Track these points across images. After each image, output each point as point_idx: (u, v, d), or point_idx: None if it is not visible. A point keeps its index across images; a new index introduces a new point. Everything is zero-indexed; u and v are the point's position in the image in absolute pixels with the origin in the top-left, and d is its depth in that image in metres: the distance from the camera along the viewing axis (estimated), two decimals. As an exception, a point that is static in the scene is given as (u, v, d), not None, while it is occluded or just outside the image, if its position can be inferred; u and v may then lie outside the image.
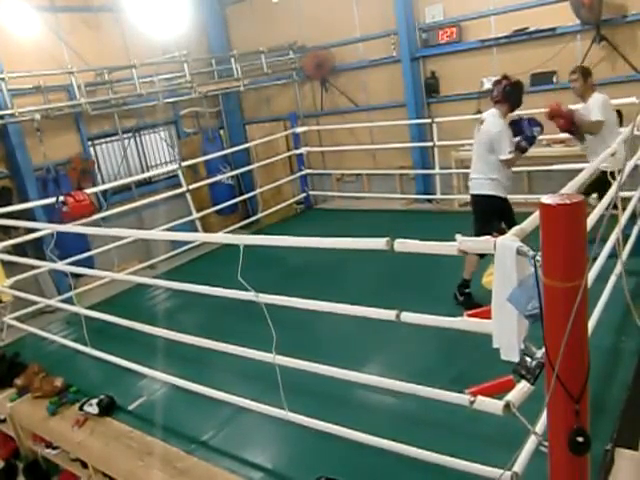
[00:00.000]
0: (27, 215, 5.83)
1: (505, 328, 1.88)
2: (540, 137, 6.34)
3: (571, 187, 2.50)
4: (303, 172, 8.10)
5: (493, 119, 4.16)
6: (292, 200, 8.11)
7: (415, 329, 2.46)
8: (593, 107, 4.58)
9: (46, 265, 4.91)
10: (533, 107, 6.10)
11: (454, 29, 7.09)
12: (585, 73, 4.67)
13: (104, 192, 6.97)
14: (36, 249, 6.15)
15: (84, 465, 3.46)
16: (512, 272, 1.80)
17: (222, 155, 7.78)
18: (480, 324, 2.13)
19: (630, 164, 3.82)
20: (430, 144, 7.04)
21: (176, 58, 7.65)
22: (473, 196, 4.34)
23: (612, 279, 3.46)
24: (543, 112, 4.66)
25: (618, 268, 3.49)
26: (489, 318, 1.97)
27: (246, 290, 2.73)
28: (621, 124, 5.85)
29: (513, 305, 1.78)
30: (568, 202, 1.56)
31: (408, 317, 2.37)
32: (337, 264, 5.45)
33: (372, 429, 2.62)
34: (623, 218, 3.61)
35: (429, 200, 7.37)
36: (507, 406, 2.05)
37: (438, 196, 7.13)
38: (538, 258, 1.67)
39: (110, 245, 5.86)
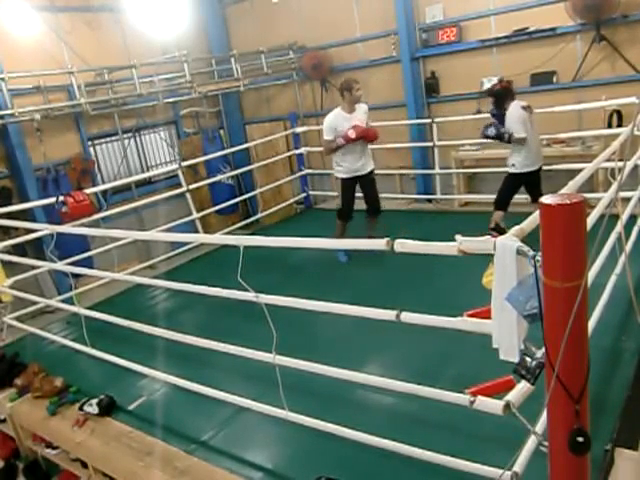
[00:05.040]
0: (27, 215, 5.84)
1: (505, 328, 1.88)
2: (540, 137, 6.42)
3: (571, 187, 2.49)
4: (303, 172, 8.09)
5: None
6: (292, 200, 8.10)
7: (415, 329, 2.46)
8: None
9: (46, 265, 4.91)
10: (533, 107, 6.11)
11: (454, 29, 7.09)
12: None
13: (104, 192, 6.96)
14: (36, 249, 6.15)
15: (84, 465, 3.45)
16: (512, 272, 1.80)
17: (222, 155, 7.78)
18: (480, 324, 2.12)
19: (629, 164, 3.82)
20: (430, 144, 7.04)
21: (176, 58, 7.65)
22: (540, 168, 5.22)
23: (612, 278, 3.46)
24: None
25: (619, 267, 3.49)
26: (489, 318, 1.97)
27: (246, 290, 2.74)
28: (621, 124, 5.87)
29: (512, 305, 1.78)
30: (568, 202, 1.56)
31: (408, 317, 2.37)
32: (337, 264, 5.46)
33: (372, 429, 2.62)
34: (624, 216, 3.61)
35: (429, 200, 7.37)
36: (507, 406, 2.05)
37: (438, 196, 7.13)
38: (538, 258, 1.67)
39: (110, 245, 5.86)
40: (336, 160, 5.44)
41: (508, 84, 5.14)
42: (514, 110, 4.94)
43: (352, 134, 5.13)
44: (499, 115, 5.06)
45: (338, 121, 5.25)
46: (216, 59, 8.68)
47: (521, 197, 5.58)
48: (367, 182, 5.51)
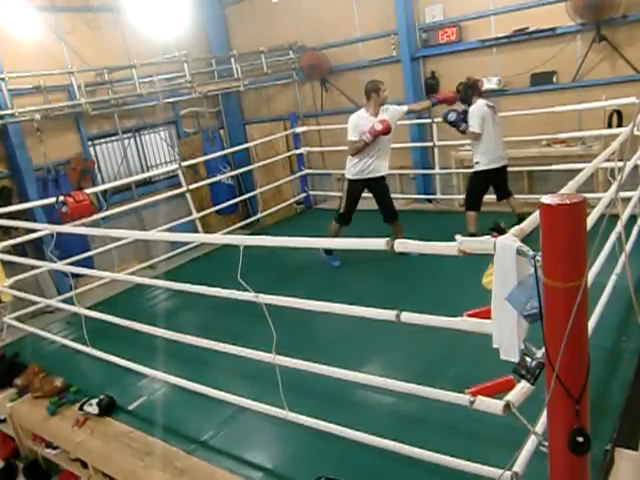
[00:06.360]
0: (27, 215, 5.84)
1: (505, 328, 1.88)
2: (540, 137, 6.43)
3: (571, 187, 2.49)
4: (303, 172, 8.09)
5: None
6: (292, 200, 8.11)
7: (415, 329, 2.46)
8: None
9: (46, 265, 4.90)
10: (533, 107, 6.11)
11: (454, 29, 7.09)
12: None
13: (104, 192, 6.98)
14: (36, 249, 6.16)
15: (84, 465, 3.46)
16: (512, 272, 1.80)
17: (222, 155, 7.78)
18: (480, 324, 2.12)
19: (629, 164, 3.82)
20: (430, 144, 7.05)
21: (176, 58, 7.66)
22: (507, 164, 5.42)
23: (612, 278, 3.46)
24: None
25: (619, 267, 3.49)
26: (489, 318, 1.97)
27: (246, 290, 2.73)
28: (621, 124, 5.87)
29: (512, 305, 1.78)
30: (568, 202, 1.56)
31: (408, 317, 2.36)
32: (337, 264, 5.45)
33: (372, 429, 2.61)
34: (624, 216, 3.60)
35: (429, 200, 7.38)
36: (507, 406, 2.05)
37: (438, 196, 7.13)
38: (538, 258, 1.67)
39: (110, 245, 5.86)
40: (350, 159, 5.25)
41: (476, 82, 5.31)
42: (477, 106, 5.12)
43: (378, 126, 5.01)
44: (463, 111, 5.24)
45: (362, 122, 5.10)
46: (216, 59, 8.68)
47: (519, 197, 5.59)
48: (380, 188, 5.37)
